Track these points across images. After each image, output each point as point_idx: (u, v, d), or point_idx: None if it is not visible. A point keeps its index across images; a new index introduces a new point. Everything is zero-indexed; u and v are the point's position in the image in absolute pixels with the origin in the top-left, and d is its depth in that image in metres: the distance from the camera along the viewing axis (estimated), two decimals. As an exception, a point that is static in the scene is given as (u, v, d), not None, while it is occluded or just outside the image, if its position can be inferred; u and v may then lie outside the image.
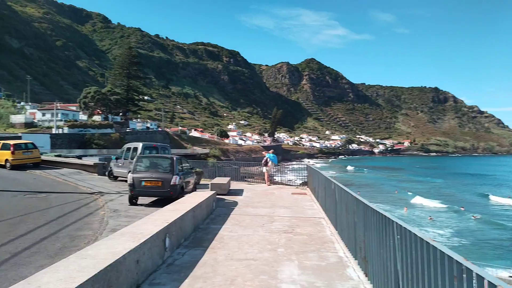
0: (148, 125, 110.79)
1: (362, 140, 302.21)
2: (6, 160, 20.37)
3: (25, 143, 22.06)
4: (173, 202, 9.53)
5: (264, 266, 6.25)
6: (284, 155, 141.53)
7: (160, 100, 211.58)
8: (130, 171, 12.47)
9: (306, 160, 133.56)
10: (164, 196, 12.03)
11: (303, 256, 6.84)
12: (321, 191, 11.99)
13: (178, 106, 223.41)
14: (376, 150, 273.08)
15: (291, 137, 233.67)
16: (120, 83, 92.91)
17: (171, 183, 11.81)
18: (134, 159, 12.62)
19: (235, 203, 12.78)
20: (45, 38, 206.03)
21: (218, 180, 16.26)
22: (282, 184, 20.92)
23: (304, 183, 19.44)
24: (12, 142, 21.24)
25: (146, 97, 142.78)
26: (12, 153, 20.36)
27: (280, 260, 6.60)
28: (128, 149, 17.94)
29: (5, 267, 6.29)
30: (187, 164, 14.25)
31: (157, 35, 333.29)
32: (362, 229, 5.87)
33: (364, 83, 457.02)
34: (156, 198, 12.94)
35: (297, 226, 9.35)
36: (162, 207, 9.30)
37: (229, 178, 17.61)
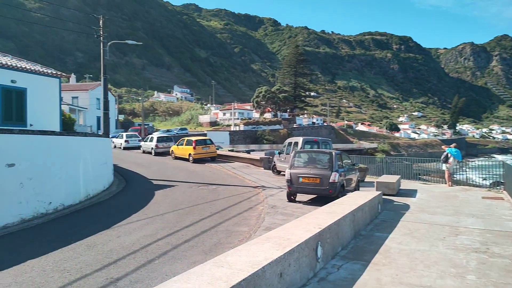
0: (314, 120, 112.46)
1: None
2: (189, 154, 23.11)
3: (204, 139, 24.61)
4: (330, 203, 8.49)
5: (447, 301, 4.59)
6: (469, 149, 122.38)
7: (326, 95, 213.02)
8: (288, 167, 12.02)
9: (496, 156, 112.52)
10: (323, 194, 11.12)
11: (508, 293, 4.83)
12: (529, 198, 8.99)
13: (344, 100, 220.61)
14: None
15: (477, 128, 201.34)
16: (288, 81, 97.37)
17: (330, 181, 10.79)
18: (292, 154, 12.12)
19: (405, 207, 10.87)
20: (225, 47, 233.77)
21: (386, 178, 14.41)
22: (468, 185, 17.30)
23: (497, 184, 15.61)
24: (194, 138, 24.00)
25: (312, 93, 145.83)
26: (194, 148, 22.95)
27: (472, 295, 4.78)
28: (290, 143, 17.81)
29: (163, 259, 6.44)
30: (348, 160, 12.97)
31: (322, 31, 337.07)
32: None
33: None
34: (315, 195, 12.15)
35: (493, 244, 7.04)
36: (321, 206, 8.42)
37: (398, 176, 15.47)
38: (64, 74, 17.00)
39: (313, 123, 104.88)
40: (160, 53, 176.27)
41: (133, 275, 5.72)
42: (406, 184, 16.04)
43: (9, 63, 14.39)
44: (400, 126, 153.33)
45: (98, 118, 53.72)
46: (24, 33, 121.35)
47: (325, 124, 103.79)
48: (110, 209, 11.28)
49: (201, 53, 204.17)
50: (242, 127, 70.71)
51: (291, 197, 11.77)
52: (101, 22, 17.51)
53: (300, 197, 12.18)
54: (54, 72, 16.32)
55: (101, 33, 17.30)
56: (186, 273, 4.05)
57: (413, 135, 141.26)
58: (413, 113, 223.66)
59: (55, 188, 10.44)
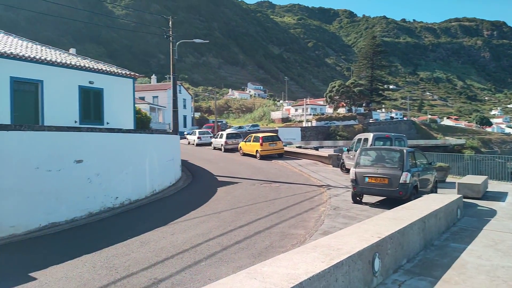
0: (393, 115, 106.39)
1: None
2: (257, 151, 23.04)
3: (271, 136, 24.36)
4: (398, 207, 7.59)
5: None
6: None
7: (407, 88, 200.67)
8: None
9: None
10: (392, 196, 10.10)
11: None
12: None
13: (427, 93, 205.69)
14: None
15: None
16: (364, 74, 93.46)
17: (400, 181, 9.73)
18: (357, 152, 11.22)
19: (491, 212, 9.42)
20: (298, 42, 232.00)
21: (469, 178, 12.75)
22: None
23: None
24: (261, 135, 23.86)
25: (391, 86, 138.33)
26: (261, 144, 22.82)
27: None
28: (359, 140, 16.76)
29: (210, 261, 6.21)
30: (424, 159, 11.66)
31: (403, 20, 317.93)
32: None
33: None
34: (383, 197, 11.14)
35: None
36: (390, 209, 7.60)
37: (485, 176, 13.61)
38: (137, 74, 17.90)
39: (392, 117, 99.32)
40: (235, 52, 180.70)
41: (176, 277, 5.56)
42: (495, 186, 14.12)
43: (87, 65, 15.51)
44: (493, 120, 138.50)
45: (176, 116, 56.76)
46: (113, 38, 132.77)
47: (405, 118, 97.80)
48: (172, 205, 11.50)
49: (274, 50, 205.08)
50: (314, 123, 69.39)
51: (356, 198, 10.92)
52: (170, 23, 18.09)
53: (367, 198, 11.27)
54: (128, 73, 17.26)
55: (170, 33, 17.87)
56: (212, 284, 3.70)
57: (508, 130, 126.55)
58: (508, 106, 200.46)
59: (122, 184, 10.90)
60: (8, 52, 12.72)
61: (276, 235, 7.74)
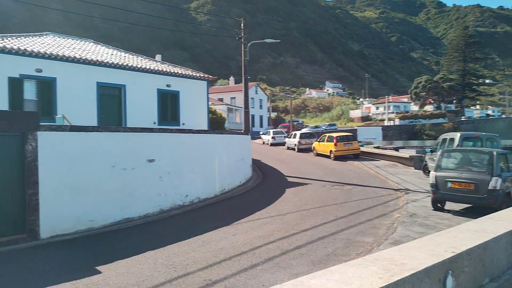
0: (489, 112, 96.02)
1: None
2: (330, 151, 22.29)
3: (347, 136, 23.38)
4: (483, 217, 6.55)
5: None
6: None
7: (506, 82, 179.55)
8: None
9: None
10: (479, 204, 8.95)
11: None
12: None
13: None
14: None
15: None
16: (455, 68, 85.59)
17: (489, 187, 8.55)
18: (438, 153, 10.14)
19: None
20: (381, 37, 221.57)
21: None
22: None
23: None
24: (335, 134, 23.05)
25: (487, 81, 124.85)
26: (335, 144, 22.02)
27: None
28: (444, 140, 15.25)
29: (267, 266, 6.02)
30: (520, 162, 10.12)
31: (500, 7, 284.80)
32: None
33: None
34: (469, 205, 9.91)
35: None
36: (477, 217, 6.69)
37: None
38: (210, 76, 18.49)
39: (487, 115, 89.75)
40: (313, 51, 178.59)
41: (230, 280, 5.47)
42: None
43: (165, 69, 16.41)
44: None
45: (253, 116, 57.72)
46: (196, 43, 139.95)
47: (503, 116, 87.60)
48: (238, 205, 11.57)
49: (354, 46, 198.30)
50: (397, 122, 65.49)
51: (437, 205, 9.87)
52: (242, 25, 18.34)
53: (451, 205, 10.12)
54: (202, 75, 17.90)
55: (242, 35, 18.11)
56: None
57: None
58: None
59: (192, 182, 11.24)
60: (95, 59, 13.98)
61: (340, 242, 7.28)
